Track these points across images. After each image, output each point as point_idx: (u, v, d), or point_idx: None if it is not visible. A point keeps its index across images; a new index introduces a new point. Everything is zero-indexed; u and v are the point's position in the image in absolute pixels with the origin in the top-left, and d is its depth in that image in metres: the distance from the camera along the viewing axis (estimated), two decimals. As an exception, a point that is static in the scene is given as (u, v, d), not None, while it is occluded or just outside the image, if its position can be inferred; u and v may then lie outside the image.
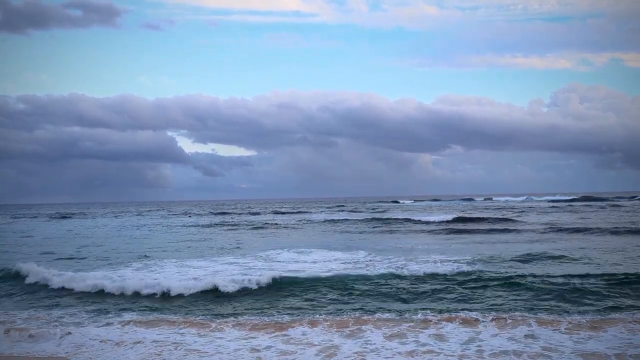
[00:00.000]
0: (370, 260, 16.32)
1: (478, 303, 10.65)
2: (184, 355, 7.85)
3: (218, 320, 9.74)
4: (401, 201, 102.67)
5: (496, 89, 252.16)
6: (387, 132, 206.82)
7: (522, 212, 46.48)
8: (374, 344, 8.12)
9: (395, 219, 39.54)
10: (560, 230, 26.57)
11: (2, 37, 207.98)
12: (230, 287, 12.32)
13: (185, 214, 62.03)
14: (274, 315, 10.11)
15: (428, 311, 9.93)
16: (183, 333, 9.02)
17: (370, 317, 9.64)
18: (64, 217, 60.90)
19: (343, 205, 79.22)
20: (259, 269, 14.87)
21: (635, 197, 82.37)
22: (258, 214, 59.05)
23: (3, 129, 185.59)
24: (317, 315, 9.89)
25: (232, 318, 9.92)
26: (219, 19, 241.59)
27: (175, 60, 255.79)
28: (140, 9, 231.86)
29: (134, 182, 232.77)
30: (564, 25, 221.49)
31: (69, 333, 9.03)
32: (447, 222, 34.71)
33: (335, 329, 8.94)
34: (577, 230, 25.87)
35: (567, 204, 64.51)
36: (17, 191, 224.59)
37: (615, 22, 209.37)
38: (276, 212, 61.19)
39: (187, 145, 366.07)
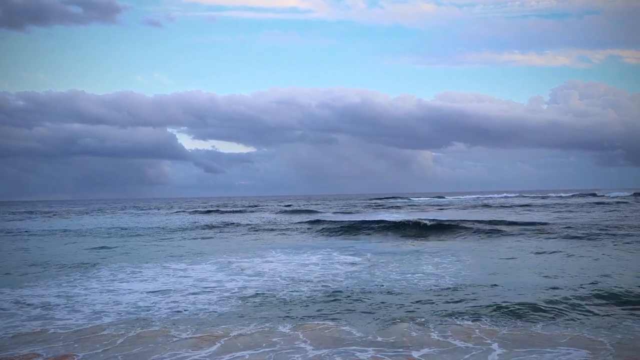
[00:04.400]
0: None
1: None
2: None
3: None
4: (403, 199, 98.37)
5: (495, 86, 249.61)
6: (387, 129, 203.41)
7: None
8: None
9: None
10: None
11: (1, 34, 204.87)
12: None
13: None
14: None
15: None
16: None
17: None
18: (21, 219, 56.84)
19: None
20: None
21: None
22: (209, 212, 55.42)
23: (2, 126, 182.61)
24: None
25: None
26: (218, 15, 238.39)
27: (174, 57, 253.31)
28: (139, 6, 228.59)
29: (135, 179, 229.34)
30: (561, 22, 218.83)
31: None
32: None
33: None
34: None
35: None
36: (17, 189, 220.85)
37: (612, 19, 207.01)
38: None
39: (187, 142, 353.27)
